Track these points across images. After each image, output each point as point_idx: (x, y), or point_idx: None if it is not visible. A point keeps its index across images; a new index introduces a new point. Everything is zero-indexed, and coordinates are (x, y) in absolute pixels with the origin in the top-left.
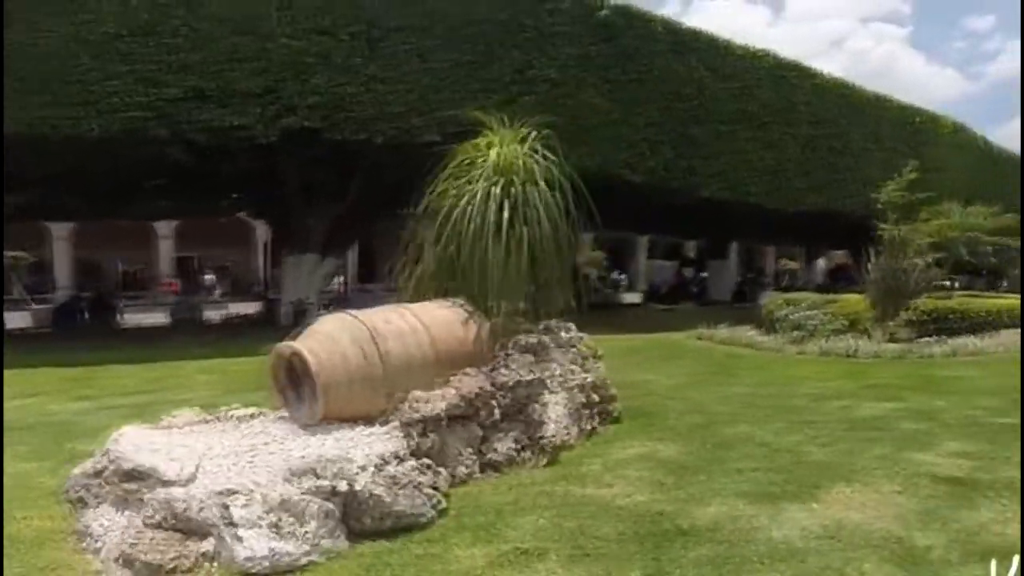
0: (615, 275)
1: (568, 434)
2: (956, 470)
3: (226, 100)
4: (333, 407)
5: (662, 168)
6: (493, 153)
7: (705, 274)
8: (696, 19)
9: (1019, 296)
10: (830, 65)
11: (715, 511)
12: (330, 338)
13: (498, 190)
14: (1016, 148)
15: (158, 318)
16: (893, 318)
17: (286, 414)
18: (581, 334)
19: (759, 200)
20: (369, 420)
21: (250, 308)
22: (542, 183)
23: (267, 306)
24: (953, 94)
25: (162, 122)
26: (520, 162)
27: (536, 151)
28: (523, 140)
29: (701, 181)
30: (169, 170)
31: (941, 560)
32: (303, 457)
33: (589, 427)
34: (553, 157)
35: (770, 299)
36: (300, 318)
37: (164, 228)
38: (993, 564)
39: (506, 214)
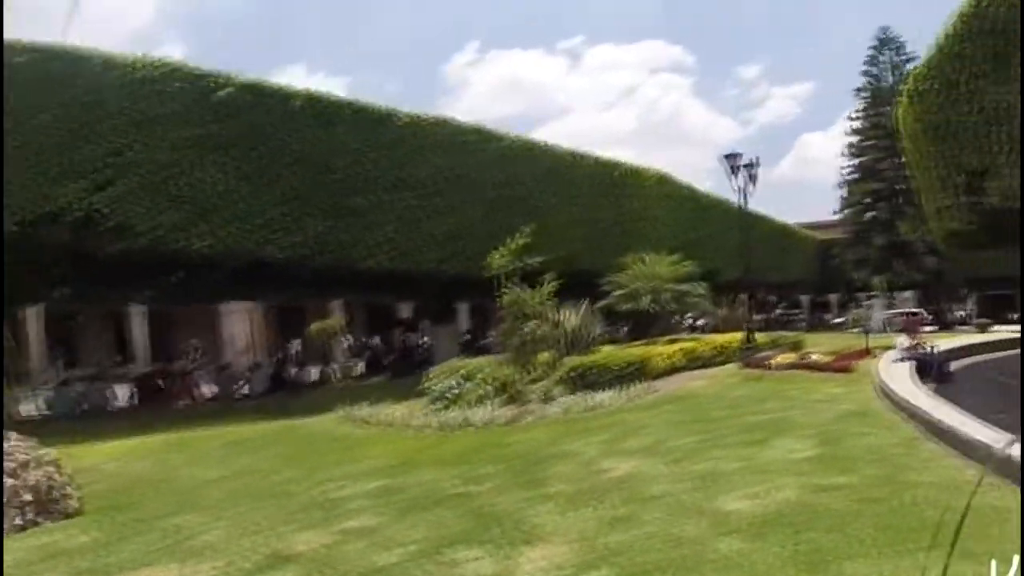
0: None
1: None
2: None
3: None
4: None
5: (312, 241)
6: None
7: (425, 339)
8: (495, 68)
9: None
10: (627, 114)
11: None
12: None
13: None
14: (787, 188)
15: None
16: (534, 379)
17: None
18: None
19: (437, 266)
20: None
21: None
22: None
23: None
24: (730, 140)
25: None
26: None
27: None
28: None
29: (363, 252)
30: None
31: None
32: None
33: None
34: None
35: (437, 368)
36: None
37: None
38: (993, 564)
39: None
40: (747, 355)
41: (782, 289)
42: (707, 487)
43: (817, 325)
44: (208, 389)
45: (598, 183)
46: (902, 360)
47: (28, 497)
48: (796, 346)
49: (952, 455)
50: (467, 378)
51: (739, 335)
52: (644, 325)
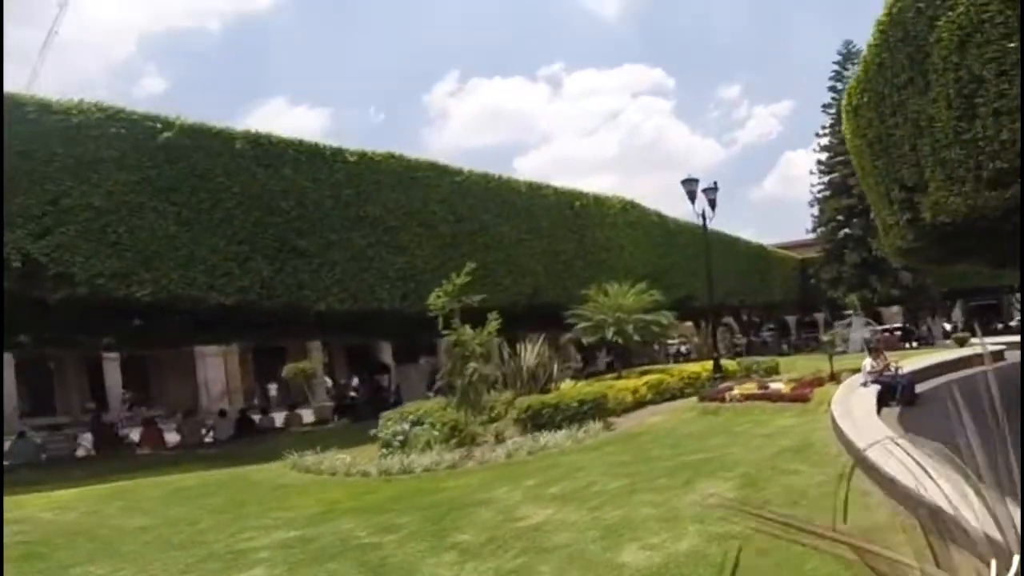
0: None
1: None
2: None
3: None
4: None
5: (258, 286)
6: None
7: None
8: (477, 97)
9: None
10: (610, 138)
11: None
12: None
13: None
14: (772, 207)
15: None
16: (492, 419)
17: None
18: None
19: (393, 305)
20: None
21: None
22: None
23: None
24: (714, 161)
25: None
26: None
27: None
28: None
29: (314, 294)
30: None
31: None
32: None
33: None
34: None
35: (391, 412)
36: None
37: None
38: (993, 564)
39: None
40: (713, 385)
41: (767, 310)
42: (612, 536)
43: (803, 346)
44: (171, 436)
45: (557, 214)
46: (865, 384)
47: None
48: (769, 371)
49: (882, 497)
50: (418, 422)
51: (725, 362)
52: (625, 355)
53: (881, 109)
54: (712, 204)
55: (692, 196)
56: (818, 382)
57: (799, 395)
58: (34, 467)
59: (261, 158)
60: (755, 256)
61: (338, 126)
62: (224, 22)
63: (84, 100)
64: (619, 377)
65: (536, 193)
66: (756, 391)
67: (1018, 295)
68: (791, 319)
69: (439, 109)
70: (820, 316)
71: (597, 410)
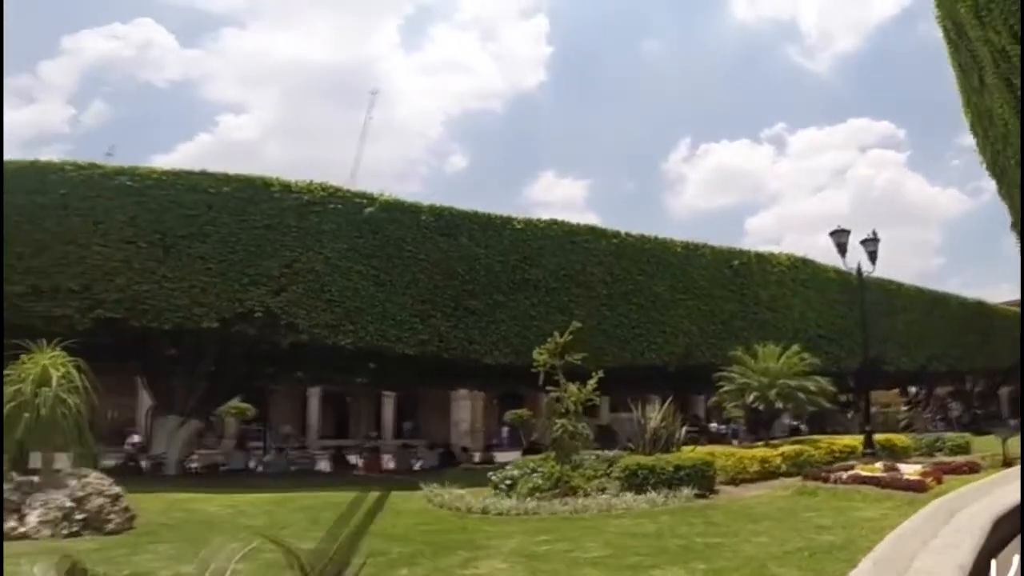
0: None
1: None
2: None
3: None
4: None
5: (436, 340)
6: None
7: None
8: (708, 161)
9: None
10: (839, 195)
11: None
12: None
13: None
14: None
15: None
16: (589, 476)
17: None
18: None
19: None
20: None
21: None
22: None
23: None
24: (958, 212)
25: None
26: None
27: None
28: None
29: (482, 349)
30: None
31: None
32: None
33: None
34: None
35: (519, 460)
36: (157, 469)
37: None
38: (993, 564)
39: None
40: (868, 461)
41: (991, 377)
42: None
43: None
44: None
45: (715, 272)
46: None
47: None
48: (956, 451)
49: None
50: (533, 471)
51: (893, 436)
52: (819, 421)
53: None
54: (872, 257)
55: (842, 249)
56: (968, 468)
57: (916, 483)
58: (280, 476)
59: (443, 228)
60: (972, 314)
61: (596, 196)
62: (504, 101)
63: (313, 181)
64: (749, 447)
65: (691, 253)
66: (869, 473)
67: None
68: (1004, 391)
69: (676, 174)
70: None
71: (696, 477)
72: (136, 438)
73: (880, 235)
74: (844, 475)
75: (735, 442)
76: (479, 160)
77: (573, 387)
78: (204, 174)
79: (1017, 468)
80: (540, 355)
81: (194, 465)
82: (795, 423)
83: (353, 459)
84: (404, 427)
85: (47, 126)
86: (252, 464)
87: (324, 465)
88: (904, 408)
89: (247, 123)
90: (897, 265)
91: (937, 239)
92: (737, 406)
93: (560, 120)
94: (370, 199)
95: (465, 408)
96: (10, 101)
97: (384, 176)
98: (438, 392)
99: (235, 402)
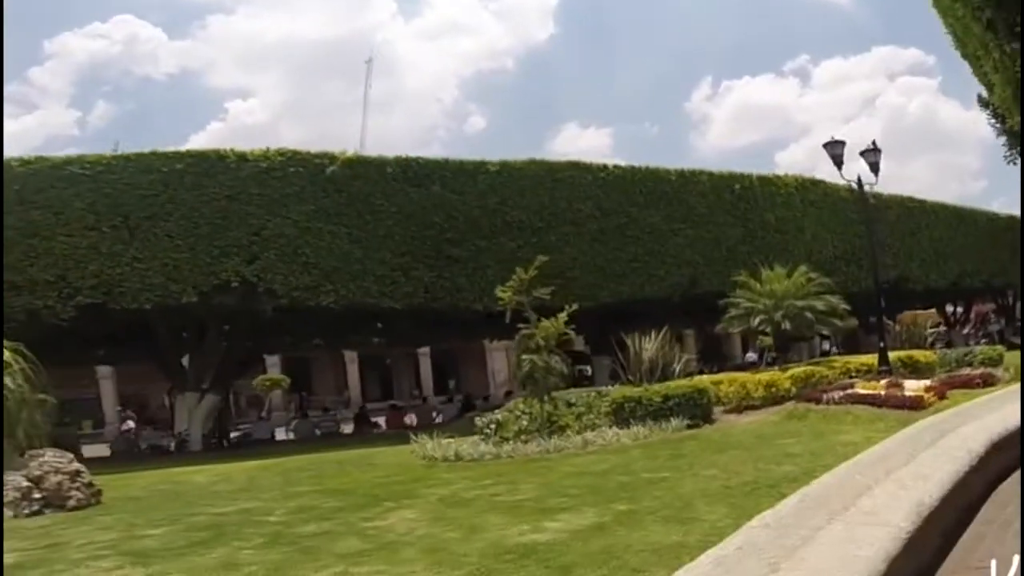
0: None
1: None
2: None
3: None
4: None
5: (422, 291)
6: None
7: (588, 369)
8: (732, 98)
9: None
10: (871, 125)
11: None
12: None
13: None
14: None
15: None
16: (579, 413)
17: None
18: None
19: (548, 302)
20: None
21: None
22: None
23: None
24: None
25: None
26: None
27: None
28: None
29: (471, 296)
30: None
31: None
32: None
33: None
34: None
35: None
36: (181, 446)
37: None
38: (993, 564)
39: None
40: (877, 378)
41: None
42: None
43: None
44: (410, 419)
45: (715, 199)
46: None
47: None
48: (988, 363)
49: None
50: (524, 413)
51: (915, 353)
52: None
53: None
54: (874, 168)
55: (838, 161)
56: (981, 381)
57: (913, 400)
58: (304, 440)
59: (412, 179)
60: (1004, 229)
61: (621, 143)
62: (516, 58)
63: (269, 148)
64: (758, 372)
65: (688, 180)
66: (867, 391)
67: None
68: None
69: (700, 114)
70: None
71: (688, 407)
72: (130, 423)
73: (916, 161)
74: (838, 395)
75: (763, 368)
76: (498, 119)
77: (546, 322)
78: (155, 154)
79: None
80: (504, 292)
81: (234, 435)
82: (827, 347)
83: (379, 419)
84: (449, 384)
85: (55, 130)
86: (281, 431)
87: (349, 428)
88: (932, 325)
89: (256, 106)
90: (937, 189)
91: (976, 163)
92: (765, 332)
93: (576, 70)
94: (331, 158)
95: (500, 358)
96: (9, 110)
97: (402, 145)
98: (471, 345)
99: (273, 374)
